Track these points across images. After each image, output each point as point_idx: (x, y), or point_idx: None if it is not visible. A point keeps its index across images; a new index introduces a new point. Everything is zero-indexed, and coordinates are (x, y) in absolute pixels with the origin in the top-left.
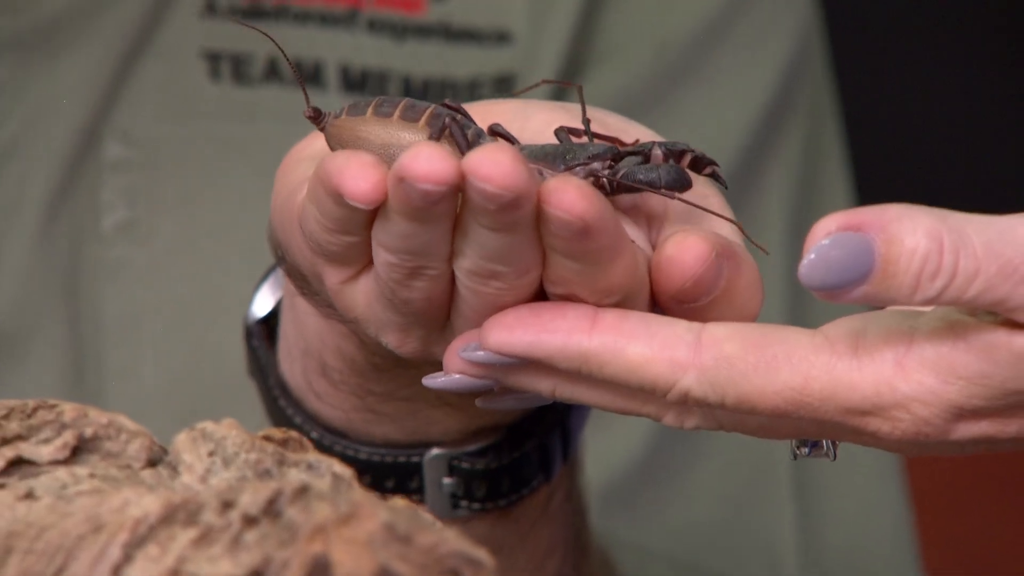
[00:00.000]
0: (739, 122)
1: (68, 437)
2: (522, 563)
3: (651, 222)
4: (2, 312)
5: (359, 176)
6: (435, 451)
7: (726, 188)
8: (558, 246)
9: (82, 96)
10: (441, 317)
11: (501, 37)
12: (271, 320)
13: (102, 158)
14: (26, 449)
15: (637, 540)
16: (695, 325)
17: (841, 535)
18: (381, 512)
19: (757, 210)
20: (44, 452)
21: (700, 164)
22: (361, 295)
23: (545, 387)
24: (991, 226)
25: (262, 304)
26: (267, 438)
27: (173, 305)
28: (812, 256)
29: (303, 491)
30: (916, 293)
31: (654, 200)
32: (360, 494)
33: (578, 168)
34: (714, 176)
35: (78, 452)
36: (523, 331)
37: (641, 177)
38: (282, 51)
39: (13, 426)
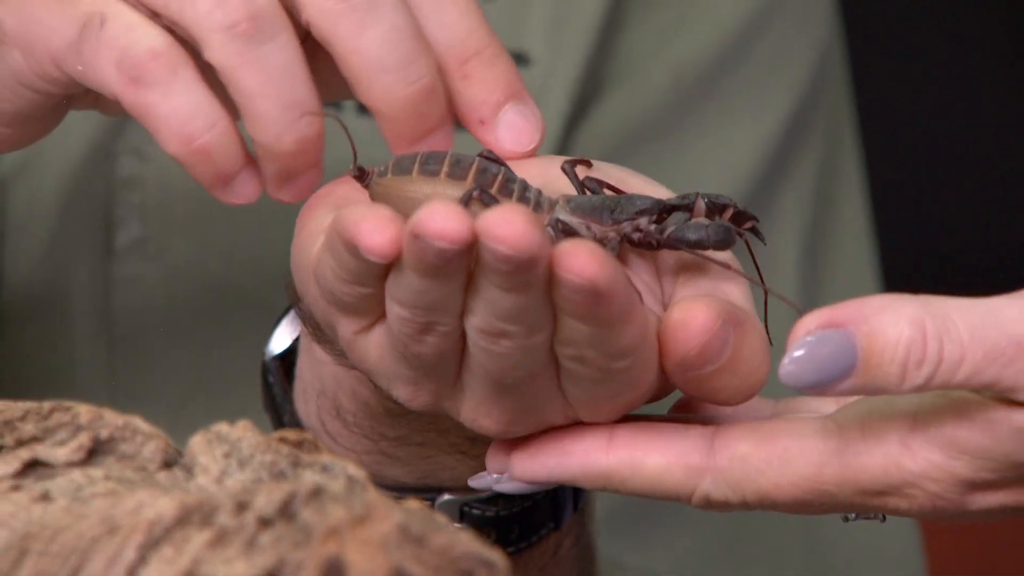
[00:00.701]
0: (756, 144)
1: (83, 439)
2: None
3: (662, 276)
4: (13, 327)
5: (376, 230)
6: (446, 496)
7: (764, 244)
8: (569, 308)
9: (97, 113)
10: (452, 373)
11: (518, 59)
12: (288, 357)
13: (116, 175)
14: (42, 451)
15: (643, 565)
16: (708, 429)
17: (849, 563)
18: (395, 514)
19: (773, 232)
20: (60, 454)
21: (741, 219)
22: (374, 347)
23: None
24: (975, 309)
25: (280, 341)
26: (282, 440)
27: (184, 322)
28: (795, 354)
29: (318, 493)
30: (904, 382)
31: (666, 254)
32: (374, 496)
33: (625, 223)
34: (754, 231)
35: (93, 454)
36: (545, 457)
37: (691, 237)
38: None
39: (29, 428)
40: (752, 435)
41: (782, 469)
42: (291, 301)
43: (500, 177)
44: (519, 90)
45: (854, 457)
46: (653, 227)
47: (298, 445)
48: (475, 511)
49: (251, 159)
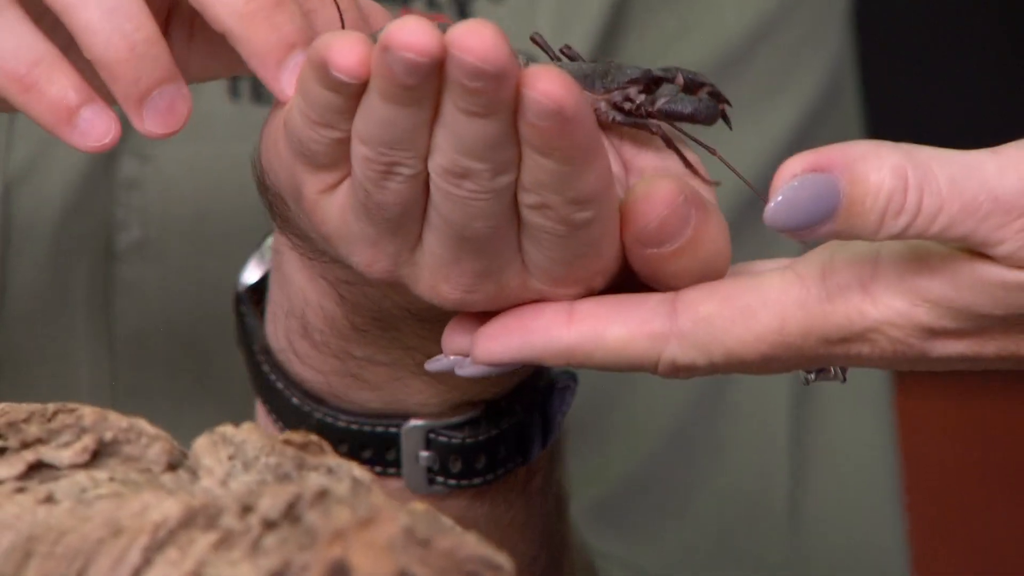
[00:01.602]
0: (759, 155)
1: (88, 441)
2: (495, 545)
3: (629, 173)
4: (15, 329)
5: (346, 49)
6: (412, 422)
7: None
8: (534, 140)
9: None
10: (413, 232)
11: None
12: (261, 289)
13: (117, 177)
14: (46, 453)
15: (630, 559)
16: (668, 295)
17: (837, 562)
18: (400, 516)
19: (776, 244)
20: (64, 456)
21: (717, 99)
22: (336, 207)
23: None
24: (956, 161)
25: (253, 272)
26: (287, 442)
27: (184, 324)
28: (779, 198)
29: (323, 495)
30: (881, 230)
31: (631, 149)
32: (380, 498)
33: (616, 92)
34: (723, 115)
35: (98, 456)
36: (507, 338)
37: (685, 109)
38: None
39: (33, 430)
40: (714, 295)
41: (747, 325)
42: (255, 178)
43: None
44: (304, 39)
45: (817, 306)
46: (643, 97)
47: (303, 447)
48: (441, 438)
49: (93, 95)
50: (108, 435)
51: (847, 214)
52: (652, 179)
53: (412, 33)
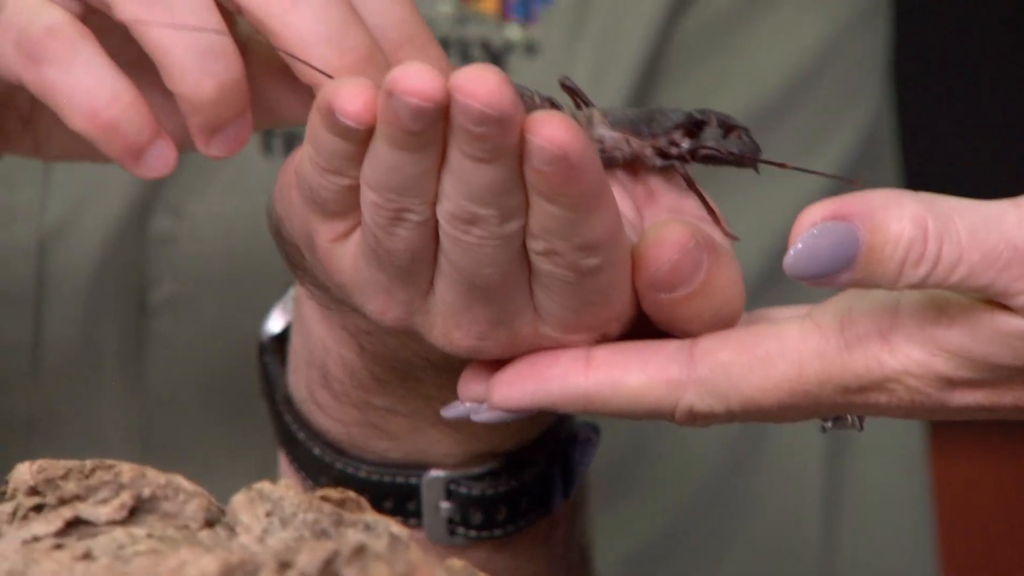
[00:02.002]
0: (796, 208)
1: (126, 497)
2: None
3: (643, 213)
4: (49, 385)
5: (351, 95)
6: (433, 473)
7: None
8: (539, 185)
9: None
10: (425, 279)
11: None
12: (285, 338)
13: (151, 233)
14: (84, 509)
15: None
16: (685, 342)
17: None
18: (438, 573)
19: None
20: (102, 512)
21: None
22: (349, 256)
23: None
24: (977, 212)
25: (276, 322)
26: (324, 498)
27: (216, 378)
28: (799, 246)
29: (360, 551)
30: (900, 279)
31: (643, 192)
32: (417, 555)
33: (661, 137)
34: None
35: (136, 512)
36: (523, 384)
37: (733, 149)
38: None
39: (71, 486)
40: (732, 342)
41: (765, 372)
42: (270, 228)
43: (535, 97)
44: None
45: (835, 355)
46: (687, 142)
47: (341, 504)
48: (462, 489)
49: (161, 131)
50: (146, 491)
51: (866, 262)
52: (663, 224)
53: (416, 78)
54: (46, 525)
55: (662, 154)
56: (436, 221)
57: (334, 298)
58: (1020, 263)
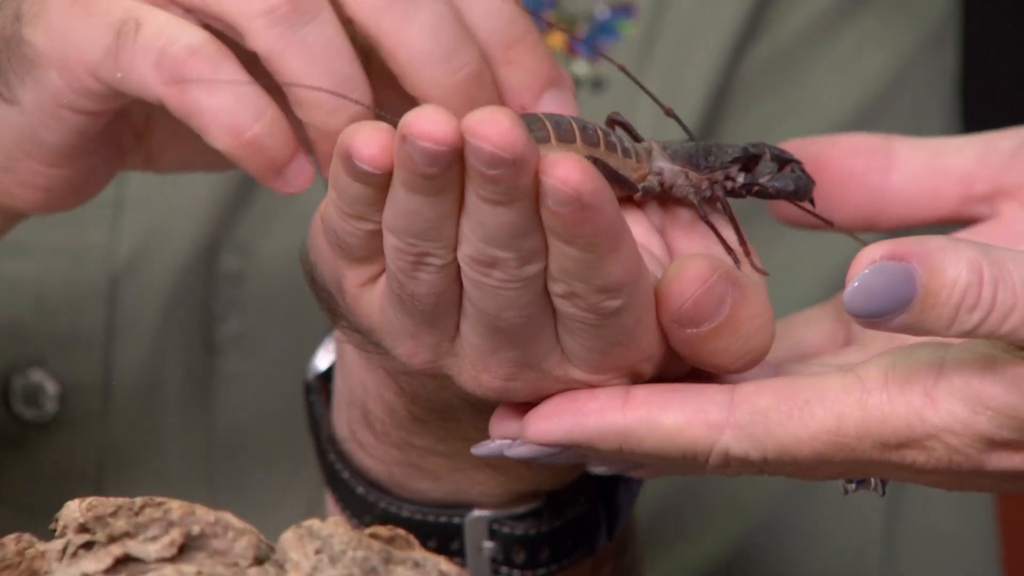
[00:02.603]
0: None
1: (175, 535)
2: None
3: (672, 253)
4: (118, 426)
5: (368, 140)
6: (476, 513)
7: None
8: (555, 226)
9: (206, 210)
10: (450, 323)
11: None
12: (330, 377)
13: (218, 271)
14: (134, 547)
15: None
16: (726, 387)
17: None
18: None
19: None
20: (151, 550)
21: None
22: (376, 301)
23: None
24: None
25: (323, 360)
26: (374, 535)
27: (280, 416)
28: (856, 284)
29: None
30: (953, 325)
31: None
32: None
33: (719, 171)
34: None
35: (185, 550)
36: (560, 418)
37: (789, 186)
38: None
39: (120, 523)
40: (772, 389)
41: (803, 421)
42: (305, 274)
43: (600, 133)
44: (559, 76)
45: (876, 409)
46: (743, 176)
47: (390, 541)
48: (504, 529)
49: (299, 147)
50: (195, 529)
51: (922, 306)
52: (685, 259)
53: (429, 122)
54: (96, 562)
55: (718, 188)
56: (458, 265)
57: (369, 341)
58: None
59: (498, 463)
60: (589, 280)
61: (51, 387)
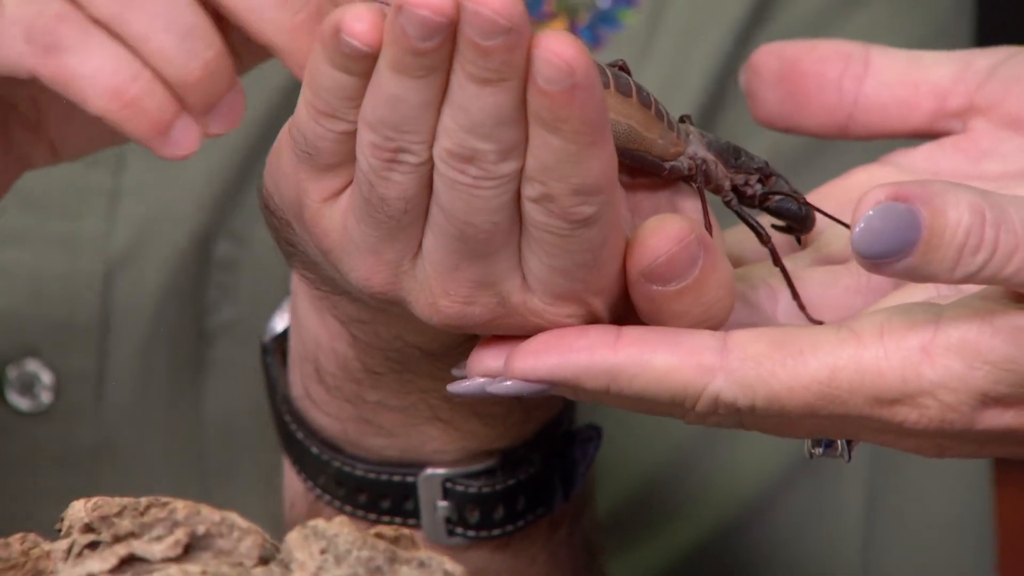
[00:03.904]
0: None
1: (180, 535)
2: None
3: (636, 217)
4: (112, 415)
5: (361, 15)
6: (429, 471)
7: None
8: (542, 110)
9: (201, 198)
10: (414, 237)
11: None
12: (287, 339)
13: (211, 258)
14: (138, 547)
15: None
16: (719, 332)
17: None
18: None
19: None
20: (156, 550)
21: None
22: (338, 215)
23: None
24: None
25: (280, 322)
26: (379, 535)
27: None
28: (862, 224)
29: None
30: (957, 268)
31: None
32: None
33: (741, 175)
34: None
35: (190, 549)
36: (547, 354)
37: (792, 210)
38: None
39: (125, 523)
40: (767, 337)
41: (796, 371)
42: (260, 205)
43: (654, 99)
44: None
45: (872, 363)
46: (760, 188)
47: (395, 541)
48: (459, 487)
49: (182, 107)
50: (201, 529)
51: (926, 247)
52: (665, 216)
53: None
54: (101, 562)
55: (736, 190)
56: (432, 166)
57: (324, 276)
58: None
59: (451, 419)
60: (567, 177)
61: (46, 377)
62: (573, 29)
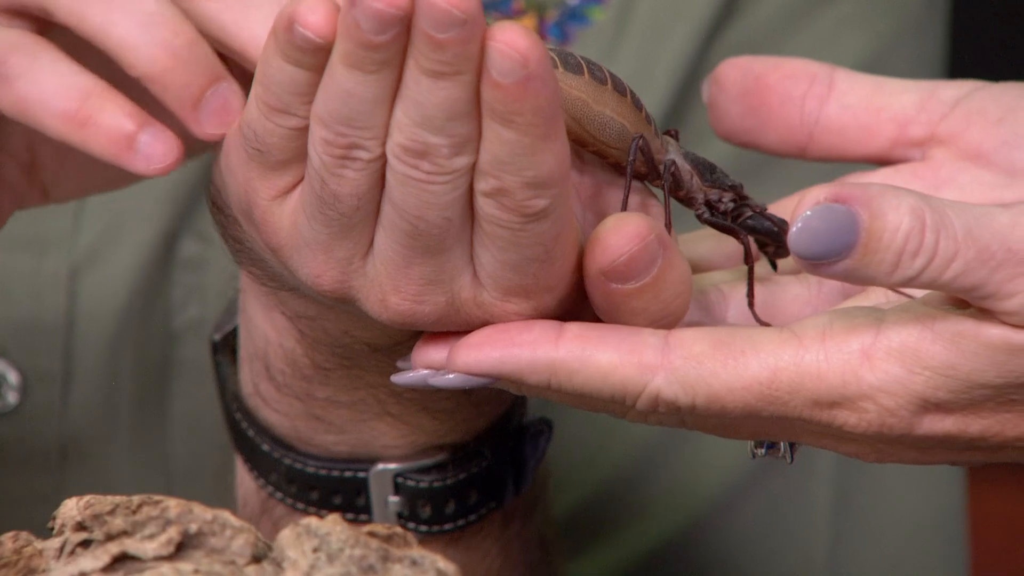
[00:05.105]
0: None
1: (173, 533)
2: None
3: (586, 209)
4: (79, 414)
5: (314, 6)
6: (380, 466)
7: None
8: (496, 103)
9: (166, 197)
10: (365, 235)
11: None
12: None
13: (178, 257)
14: (131, 545)
15: None
16: (661, 331)
17: None
18: None
19: None
20: (149, 548)
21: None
22: (288, 213)
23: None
24: (969, 211)
25: (231, 319)
26: (371, 534)
27: None
28: (800, 224)
29: None
30: (896, 272)
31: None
32: None
33: (715, 190)
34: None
35: (183, 548)
36: (490, 348)
37: (762, 228)
38: None
39: (118, 522)
40: (708, 337)
41: (737, 371)
42: (208, 202)
43: (644, 106)
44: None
45: (812, 365)
46: (732, 206)
47: (388, 540)
48: (409, 482)
49: (149, 119)
50: (193, 527)
51: (865, 250)
52: (624, 215)
53: None
54: (93, 561)
55: (709, 205)
56: (384, 162)
57: (272, 273)
58: (1013, 264)
59: (401, 413)
60: (520, 171)
61: (13, 377)
62: (542, 26)
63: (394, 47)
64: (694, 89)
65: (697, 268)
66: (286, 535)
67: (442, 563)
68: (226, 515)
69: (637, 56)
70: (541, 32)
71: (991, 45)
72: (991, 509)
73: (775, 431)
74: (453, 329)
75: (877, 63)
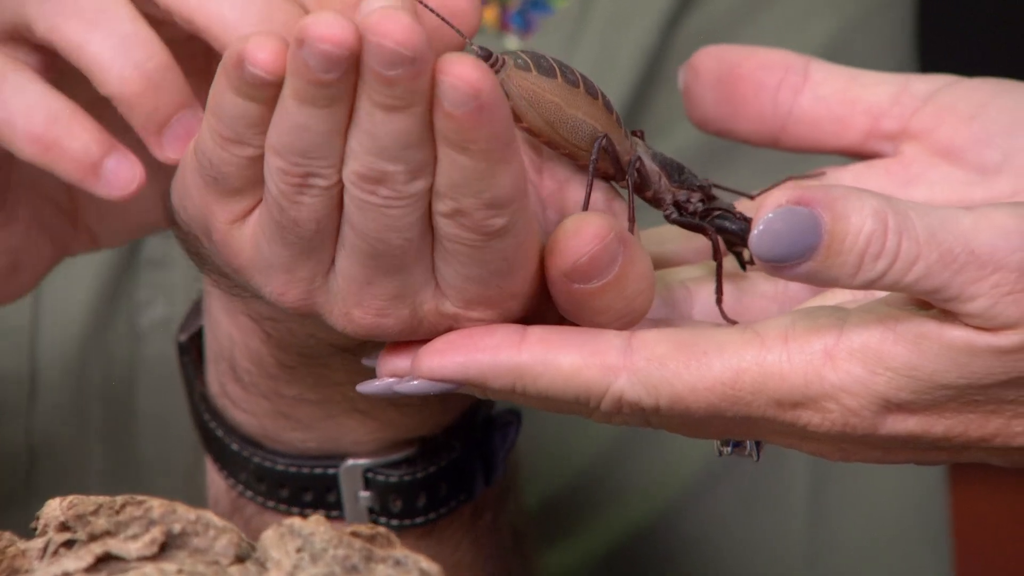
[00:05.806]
0: None
1: (156, 533)
2: None
3: (545, 209)
4: (46, 414)
5: (262, 44)
6: (350, 462)
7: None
8: (449, 132)
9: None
10: (327, 254)
11: None
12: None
13: (143, 256)
14: (114, 545)
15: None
16: (624, 333)
17: None
18: None
19: None
20: (132, 548)
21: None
22: (248, 236)
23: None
24: (932, 214)
25: (197, 321)
26: (355, 534)
27: None
28: (761, 227)
29: None
30: (858, 274)
31: (573, 199)
32: None
33: (683, 191)
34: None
35: (166, 548)
36: (453, 354)
37: (732, 227)
38: None
39: (101, 522)
40: (671, 338)
41: (700, 372)
42: (167, 219)
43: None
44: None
45: (775, 365)
46: (701, 206)
47: (371, 540)
48: (379, 477)
49: (118, 145)
50: (176, 527)
51: (827, 252)
52: (584, 215)
53: (328, 25)
54: (77, 561)
55: (677, 205)
56: (342, 187)
57: (235, 284)
58: (975, 266)
59: (369, 409)
60: (478, 193)
61: None
62: (505, 14)
63: (344, 83)
64: (658, 76)
65: (666, 263)
66: (269, 535)
67: (425, 563)
68: (209, 515)
69: (600, 43)
70: (503, 22)
71: (960, 23)
72: (971, 493)
73: (740, 431)
74: (418, 339)
75: (844, 44)
